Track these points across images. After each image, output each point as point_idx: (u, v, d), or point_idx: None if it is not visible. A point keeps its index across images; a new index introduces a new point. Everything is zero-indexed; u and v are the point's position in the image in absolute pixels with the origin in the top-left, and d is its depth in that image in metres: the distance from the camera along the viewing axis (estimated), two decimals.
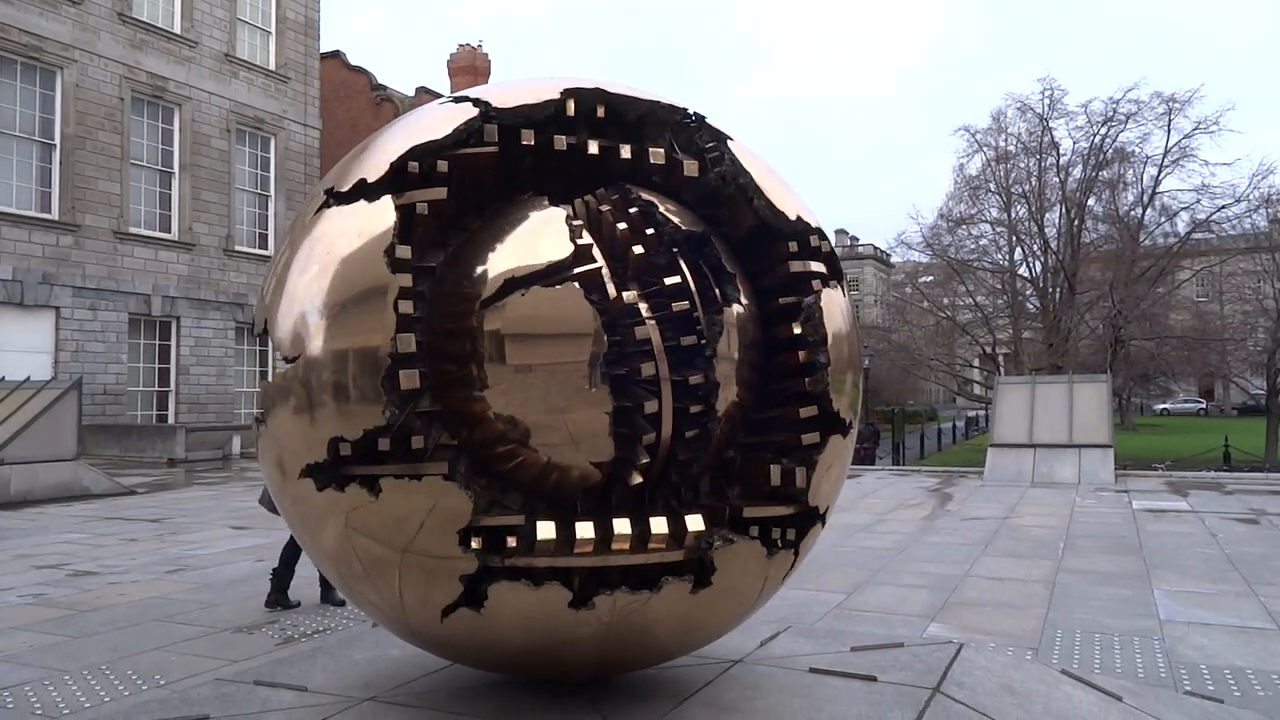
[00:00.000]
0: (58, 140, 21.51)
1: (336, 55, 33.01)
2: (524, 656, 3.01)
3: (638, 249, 2.88)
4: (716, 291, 2.93)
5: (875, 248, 79.83)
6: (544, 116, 2.96)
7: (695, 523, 2.93)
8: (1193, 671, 5.26)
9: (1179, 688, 4.93)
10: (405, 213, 2.79)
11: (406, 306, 2.71)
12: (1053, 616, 6.51)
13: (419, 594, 2.85)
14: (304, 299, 2.86)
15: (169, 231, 24.11)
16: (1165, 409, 64.37)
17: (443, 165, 2.88)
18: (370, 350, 2.70)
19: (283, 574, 6.71)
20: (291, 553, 6.66)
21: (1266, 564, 8.41)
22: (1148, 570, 8.14)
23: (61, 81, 21.62)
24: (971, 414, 52.57)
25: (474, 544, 2.73)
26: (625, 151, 3.05)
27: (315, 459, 2.77)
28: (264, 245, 26.55)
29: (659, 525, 2.89)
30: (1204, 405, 66.85)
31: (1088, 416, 16.75)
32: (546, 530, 2.78)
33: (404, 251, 2.75)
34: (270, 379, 2.97)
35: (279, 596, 6.72)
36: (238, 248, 25.72)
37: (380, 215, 2.79)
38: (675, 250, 2.91)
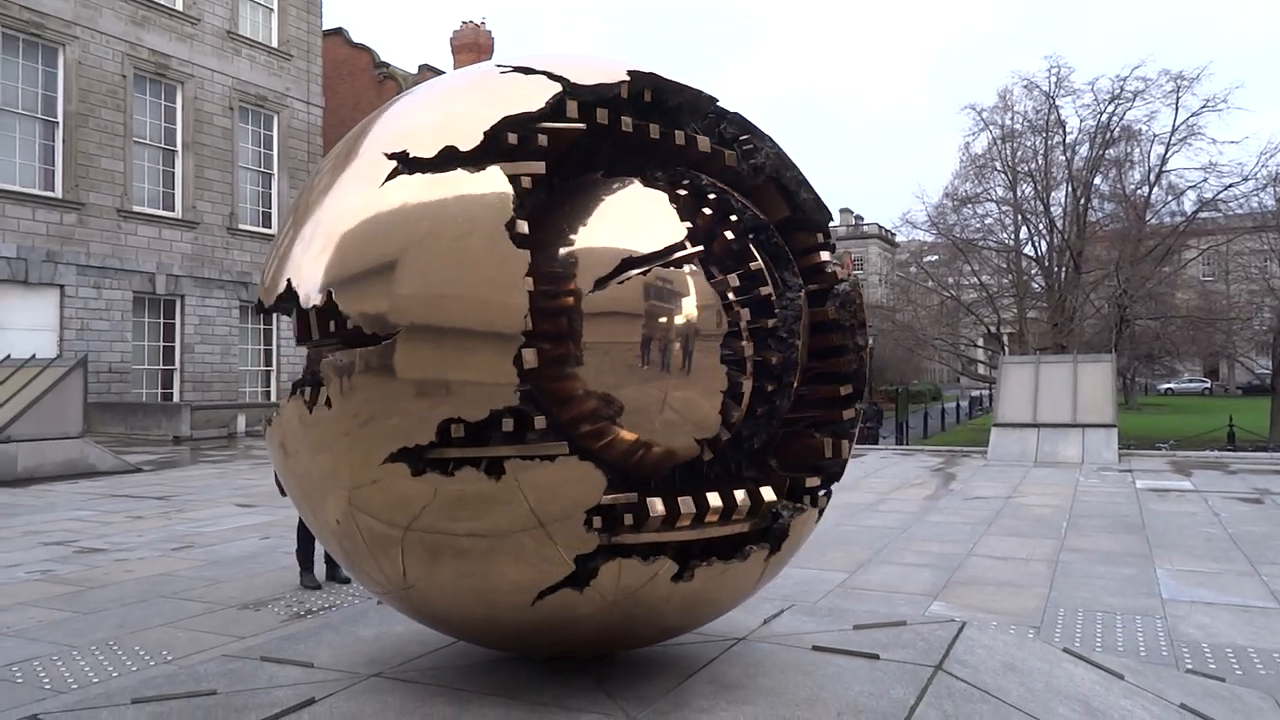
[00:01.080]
0: (60, 118, 21.45)
1: (339, 32, 32.84)
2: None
3: (728, 234, 3.03)
4: (778, 276, 3.12)
5: (880, 227, 79.53)
6: (612, 96, 2.94)
7: (768, 494, 3.06)
8: (1194, 650, 5.28)
9: (1180, 666, 4.95)
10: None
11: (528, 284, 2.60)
12: (1055, 595, 6.53)
13: (514, 577, 2.77)
14: (404, 273, 2.63)
15: (172, 210, 24.09)
16: (1170, 389, 64.28)
17: (542, 139, 2.77)
18: (495, 328, 2.58)
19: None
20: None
21: (1269, 543, 8.42)
22: (1150, 549, 8.15)
23: (64, 58, 21.53)
24: (975, 393, 52.57)
25: (595, 522, 2.72)
26: (679, 137, 3.06)
27: (417, 441, 2.63)
28: (267, 224, 26.52)
29: (742, 497, 2.99)
30: (1208, 385, 66.77)
31: (1092, 396, 16.74)
32: (658, 507, 2.81)
33: (523, 226, 2.64)
34: (338, 355, 2.72)
35: (333, 571, 6.84)
36: (241, 226, 25.69)
37: (490, 187, 2.65)
38: (750, 236, 3.09)
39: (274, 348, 26.64)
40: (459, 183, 2.68)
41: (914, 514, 10.28)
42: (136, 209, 23.07)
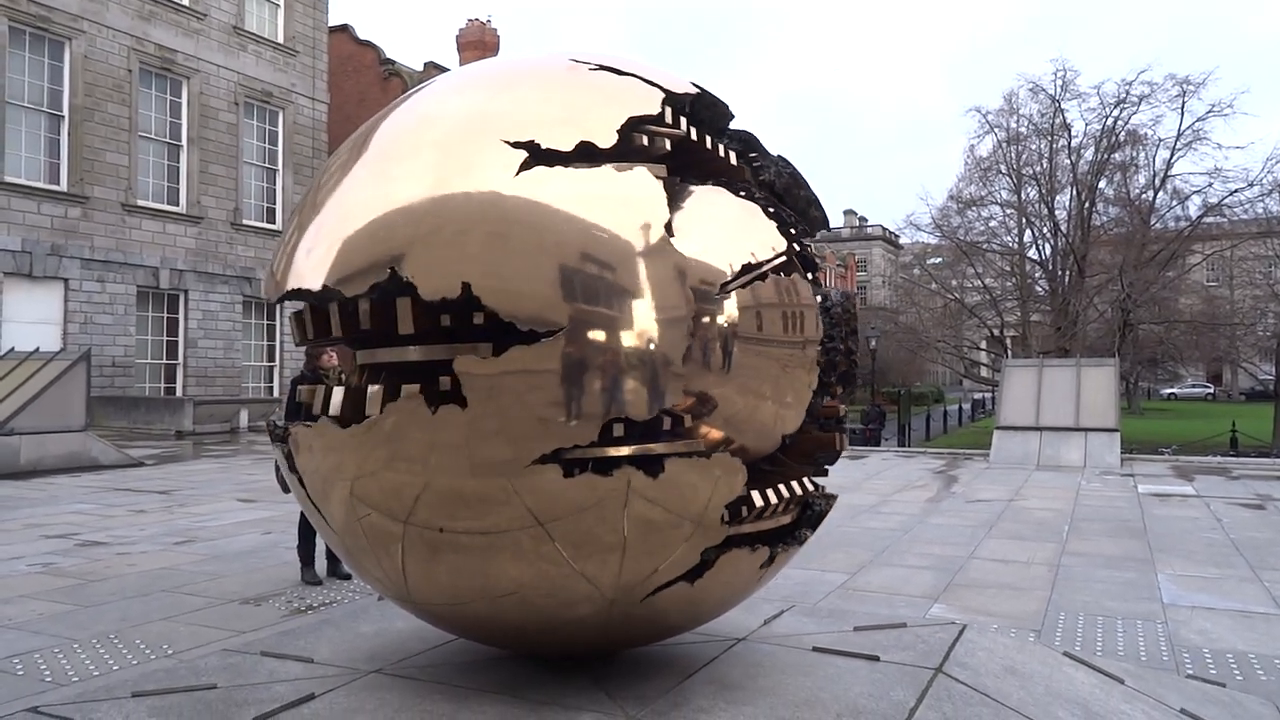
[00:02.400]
0: (66, 111, 21.48)
1: (345, 29, 32.85)
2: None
3: (801, 243, 3.20)
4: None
5: (884, 228, 79.53)
6: (685, 104, 3.00)
7: (807, 485, 3.27)
8: (1195, 655, 5.27)
9: (1181, 671, 4.94)
10: None
11: None
12: (1056, 599, 6.53)
13: (640, 566, 2.78)
14: (564, 270, 2.56)
15: (177, 204, 24.11)
16: (1173, 393, 64.20)
17: (661, 141, 2.83)
18: (660, 328, 2.59)
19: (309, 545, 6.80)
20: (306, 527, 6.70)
21: (1271, 549, 8.41)
22: (1152, 554, 8.14)
23: (70, 52, 21.56)
24: (978, 396, 52.55)
25: (725, 515, 2.83)
26: (720, 150, 3.12)
27: (575, 441, 2.57)
28: (271, 219, 26.54)
29: (798, 489, 3.16)
30: (1212, 390, 66.66)
31: (1095, 400, 16.72)
32: (758, 500, 2.94)
33: (678, 226, 2.70)
34: (480, 356, 2.56)
35: (334, 565, 6.86)
36: (245, 221, 25.71)
37: (643, 187, 2.67)
38: (800, 246, 3.22)
39: (277, 343, 26.66)
40: (609, 181, 2.66)
41: (915, 516, 10.27)
42: (141, 203, 23.09)
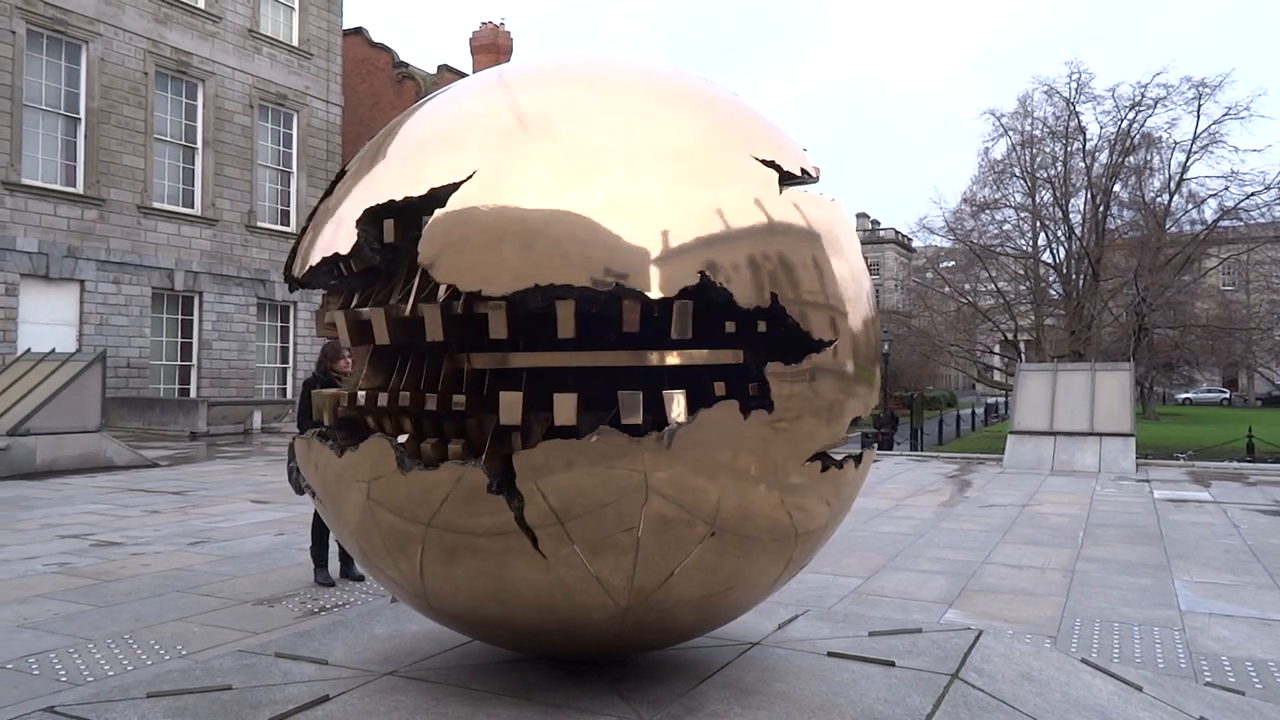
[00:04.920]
0: (83, 114, 21.64)
1: (359, 32, 33.00)
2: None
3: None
4: None
5: (897, 231, 79.32)
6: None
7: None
8: (1213, 663, 5.22)
9: (1199, 679, 4.89)
10: None
11: None
12: (1071, 605, 6.48)
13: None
14: (840, 281, 2.93)
15: (192, 207, 24.26)
16: (1188, 398, 63.80)
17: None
18: (865, 337, 3.05)
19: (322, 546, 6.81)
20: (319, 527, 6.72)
21: None
22: (1168, 560, 8.08)
23: (87, 55, 21.73)
24: (991, 401, 52.29)
25: None
26: None
27: (833, 440, 2.95)
28: (285, 221, 26.67)
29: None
30: (1227, 395, 66.24)
31: (1109, 404, 16.61)
32: None
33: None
34: (787, 366, 2.77)
35: (347, 568, 6.88)
36: (260, 224, 25.85)
37: (843, 212, 3.11)
38: None
39: (290, 345, 26.77)
40: (829, 207, 3.04)
41: (929, 521, 10.23)
42: (156, 205, 23.24)
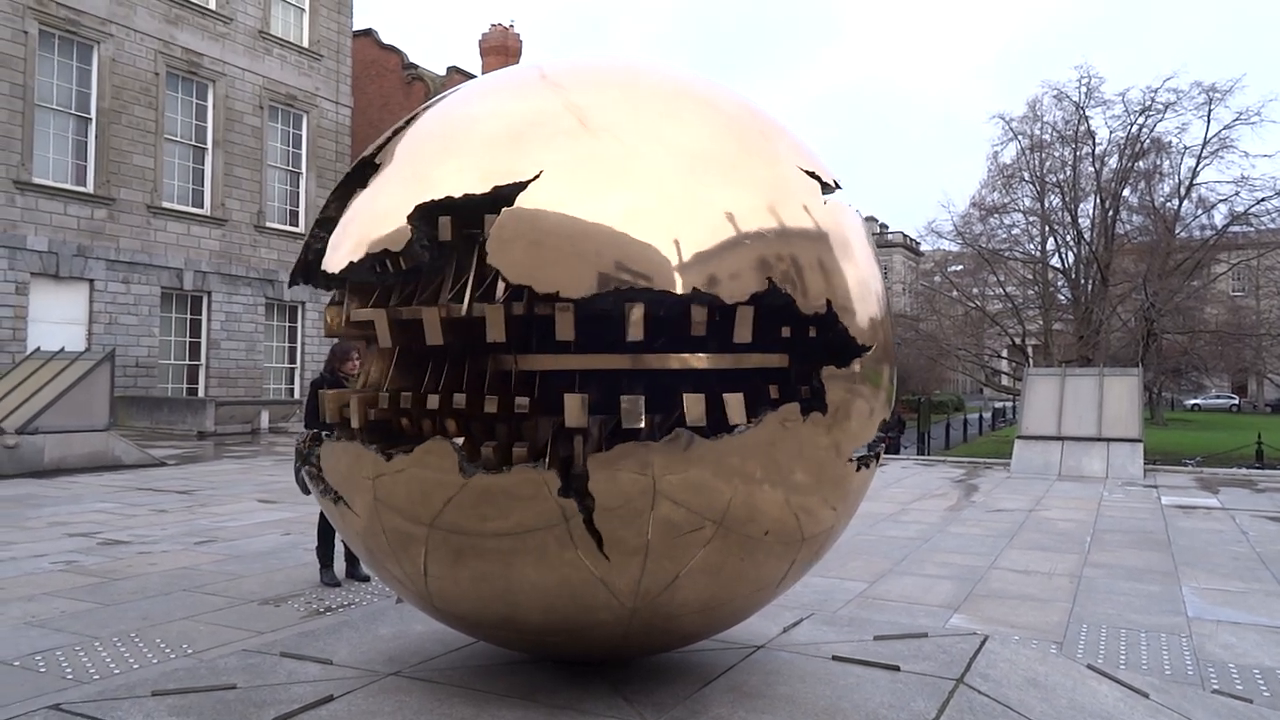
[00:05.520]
0: (93, 114, 21.74)
1: (368, 33, 33.06)
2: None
3: None
4: None
5: (905, 235, 79.13)
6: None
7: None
8: (1221, 670, 5.20)
9: (1206, 686, 4.87)
10: None
11: None
12: (1078, 611, 6.46)
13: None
14: (860, 292, 2.99)
15: (202, 207, 24.34)
16: (1196, 404, 63.51)
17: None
18: (889, 338, 3.22)
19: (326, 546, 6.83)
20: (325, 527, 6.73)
21: None
22: (1176, 567, 8.04)
23: (98, 55, 21.82)
24: (999, 405, 52.13)
25: None
26: None
27: (866, 441, 3.11)
28: (294, 222, 26.74)
29: None
30: (1236, 401, 65.94)
31: (1117, 410, 16.55)
32: None
33: None
34: (839, 369, 2.90)
35: (352, 568, 6.89)
36: (269, 224, 25.92)
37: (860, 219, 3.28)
38: None
39: (298, 345, 26.84)
40: (852, 213, 3.17)
41: (935, 525, 10.20)
42: (166, 205, 23.32)
